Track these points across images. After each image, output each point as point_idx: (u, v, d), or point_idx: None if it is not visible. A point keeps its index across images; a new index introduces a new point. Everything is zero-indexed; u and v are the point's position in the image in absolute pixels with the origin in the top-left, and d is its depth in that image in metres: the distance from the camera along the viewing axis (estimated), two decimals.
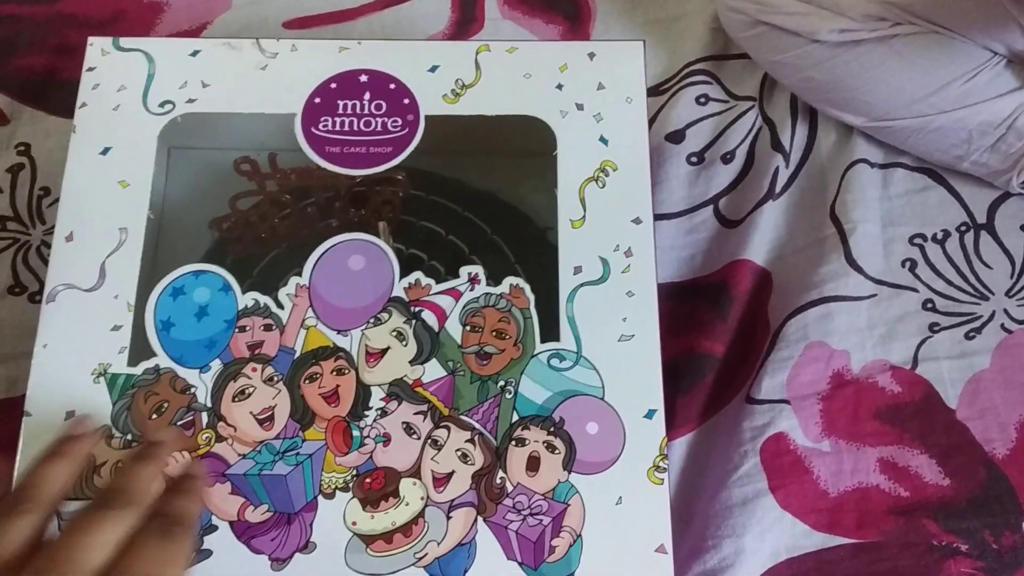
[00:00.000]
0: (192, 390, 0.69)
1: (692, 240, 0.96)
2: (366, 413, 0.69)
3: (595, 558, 0.66)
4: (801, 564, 0.82)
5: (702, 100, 1.01)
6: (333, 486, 0.67)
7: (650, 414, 0.69)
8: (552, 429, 0.68)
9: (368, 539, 0.66)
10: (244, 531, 0.66)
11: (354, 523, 0.66)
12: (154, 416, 0.68)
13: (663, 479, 0.67)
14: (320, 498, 0.67)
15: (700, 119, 1.01)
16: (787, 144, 0.98)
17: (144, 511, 0.57)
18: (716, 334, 0.90)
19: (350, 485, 0.67)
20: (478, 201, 0.79)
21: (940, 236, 0.94)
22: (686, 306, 0.89)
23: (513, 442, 0.68)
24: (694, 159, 0.99)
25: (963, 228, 0.95)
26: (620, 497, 0.67)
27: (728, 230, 0.96)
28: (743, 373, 0.90)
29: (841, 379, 0.88)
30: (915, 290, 0.92)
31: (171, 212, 0.77)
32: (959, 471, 0.85)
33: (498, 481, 0.67)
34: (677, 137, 0.99)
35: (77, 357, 0.70)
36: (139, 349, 0.71)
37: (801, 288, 0.91)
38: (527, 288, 0.73)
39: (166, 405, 0.69)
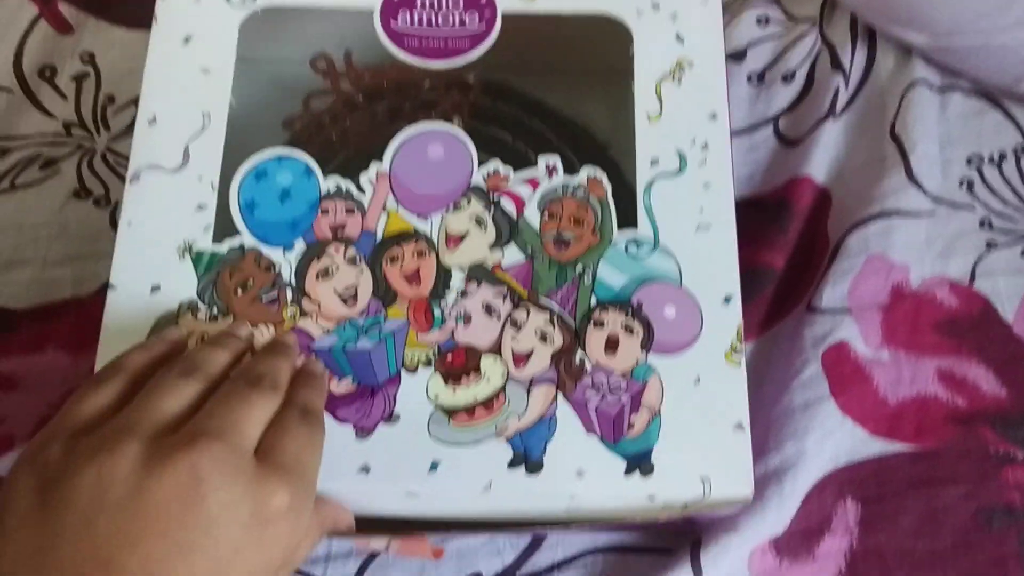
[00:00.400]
0: (276, 268, 0.69)
1: (752, 158, 0.96)
2: (447, 294, 0.69)
3: (674, 434, 0.66)
4: (860, 469, 0.82)
5: (763, 21, 1.01)
6: (416, 361, 0.67)
7: (727, 300, 0.69)
8: (630, 312, 0.68)
9: (450, 412, 0.66)
10: (329, 402, 0.66)
11: (436, 396, 0.67)
12: (239, 292, 0.68)
13: (740, 361, 0.67)
14: (403, 372, 0.67)
15: (760, 40, 1.01)
16: (847, 65, 0.98)
17: (281, 400, 0.59)
18: (776, 248, 0.90)
19: (432, 361, 0.67)
20: (552, 102, 0.78)
21: (997, 158, 0.95)
22: (745, 222, 0.89)
23: (592, 324, 0.68)
24: (754, 79, 0.98)
25: (1019, 151, 0.95)
26: (698, 377, 0.67)
27: (788, 149, 0.97)
28: (803, 286, 0.91)
29: (900, 292, 0.89)
30: (972, 209, 0.93)
31: (249, 105, 0.76)
32: (1016, 382, 0.85)
33: (577, 360, 0.67)
34: (738, 57, 0.99)
35: (162, 234, 0.71)
36: (223, 228, 0.71)
37: (861, 204, 0.92)
38: (604, 178, 0.72)
39: (251, 282, 0.69)
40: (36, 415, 0.86)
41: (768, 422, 0.84)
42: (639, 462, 0.65)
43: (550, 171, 0.73)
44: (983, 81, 0.96)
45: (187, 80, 0.76)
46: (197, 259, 0.70)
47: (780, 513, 0.80)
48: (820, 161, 0.95)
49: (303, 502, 0.56)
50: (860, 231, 0.91)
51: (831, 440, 0.83)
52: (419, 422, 0.66)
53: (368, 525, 0.69)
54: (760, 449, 0.81)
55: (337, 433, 0.65)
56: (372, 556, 0.82)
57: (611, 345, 0.68)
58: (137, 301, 0.69)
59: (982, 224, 0.92)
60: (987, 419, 0.84)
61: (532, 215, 0.72)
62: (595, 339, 0.68)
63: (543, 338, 0.68)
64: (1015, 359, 0.86)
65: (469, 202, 0.72)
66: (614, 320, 0.69)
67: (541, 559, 0.82)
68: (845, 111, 0.98)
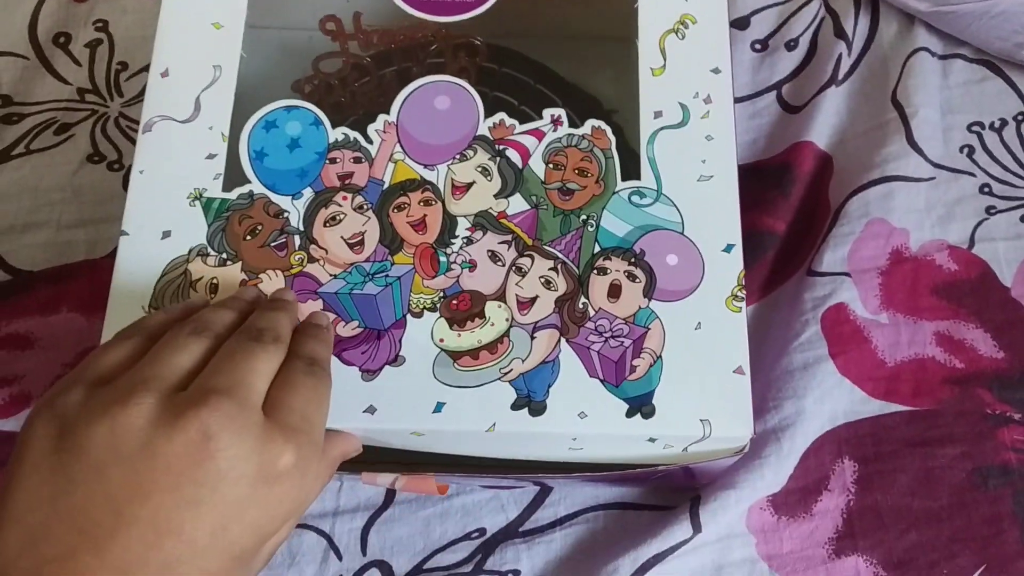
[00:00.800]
0: (285, 214, 0.69)
1: (755, 125, 0.96)
2: (452, 241, 0.69)
3: (675, 377, 0.66)
4: (858, 428, 0.83)
5: None
6: (421, 306, 0.67)
7: (728, 248, 0.69)
8: (633, 259, 0.68)
9: (455, 355, 0.66)
10: (336, 344, 0.66)
11: (441, 340, 0.66)
12: (248, 238, 0.68)
13: (741, 307, 0.67)
14: (408, 317, 0.67)
15: (765, 7, 1.02)
16: (850, 32, 0.98)
17: (285, 352, 0.59)
18: (778, 212, 0.90)
19: (437, 306, 0.67)
20: (558, 67, 0.78)
21: (997, 124, 0.95)
22: (748, 187, 0.89)
23: (595, 271, 0.68)
24: (758, 46, 0.99)
25: (1020, 117, 0.95)
26: (699, 323, 0.67)
27: (790, 115, 0.97)
28: (804, 250, 0.91)
29: (900, 256, 0.89)
30: (972, 175, 0.93)
31: (259, 70, 0.76)
32: (1013, 345, 0.85)
33: (580, 306, 0.67)
34: (742, 24, 1.00)
35: (173, 182, 0.71)
36: (233, 176, 0.71)
37: (863, 169, 0.92)
38: (608, 130, 0.72)
39: (260, 227, 0.69)
40: (51, 374, 0.87)
41: (768, 382, 0.84)
42: (641, 404, 0.65)
43: (555, 123, 0.73)
44: (985, 48, 0.96)
45: (199, 34, 0.76)
46: (207, 206, 0.70)
47: (778, 471, 0.81)
48: (822, 127, 0.95)
49: (309, 459, 0.56)
50: (861, 196, 0.91)
51: (829, 400, 0.83)
52: (424, 364, 0.66)
53: (376, 461, 0.69)
54: (759, 408, 0.82)
55: (343, 375, 0.65)
56: (378, 511, 0.83)
57: (614, 292, 0.68)
58: (148, 247, 0.69)
59: (982, 190, 0.93)
60: (984, 381, 0.84)
61: (537, 165, 0.72)
62: (598, 286, 0.68)
63: (547, 284, 0.68)
64: (1013, 322, 0.87)
65: (475, 152, 0.72)
66: (617, 267, 0.68)
67: (544, 515, 0.83)
68: (847, 78, 0.98)
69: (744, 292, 0.68)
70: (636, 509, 0.83)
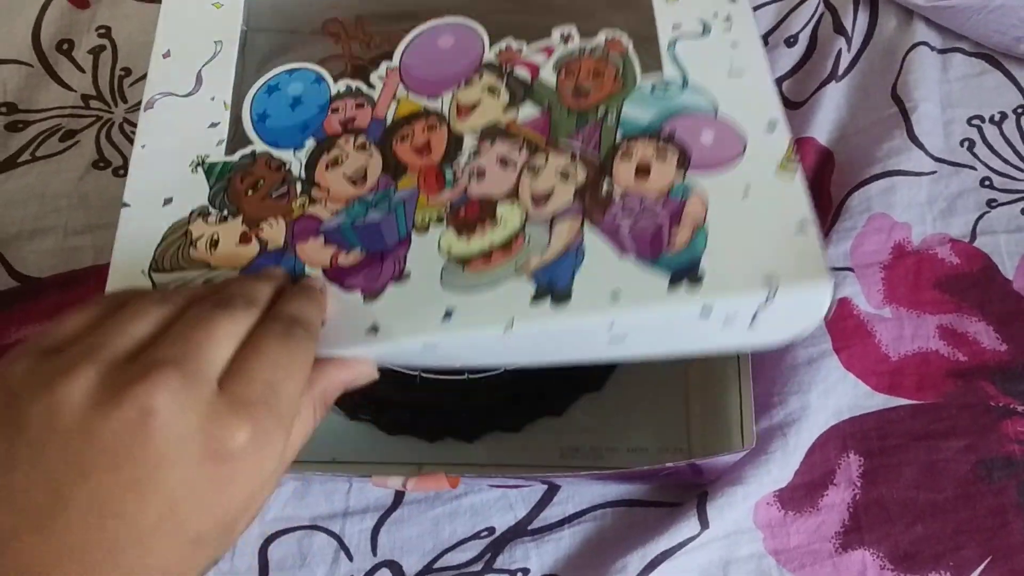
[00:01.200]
0: (287, 166, 0.65)
1: None
2: (458, 155, 0.63)
3: (725, 240, 0.56)
4: (863, 422, 0.81)
5: None
6: (427, 221, 0.61)
7: (771, 125, 0.61)
8: (660, 139, 0.61)
9: (465, 261, 0.59)
10: (336, 273, 0.59)
11: (449, 249, 0.59)
12: (250, 193, 0.64)
13: (796, 169, 0.58)
14: (413, 233, 0.60)
15: (763, 3, 1.01)
16: (849, 28, 0.98)
17: (261, 314, 0.54)
18: None
19: (444, 218, 0.61)
20: None
21: (997, 118, 0.94)
22: None
23: (619, 155, 0.61)
24: None
25: (1019, 111, 0.94)
26: (747, 187, 0.58)
27: (791, 111, 0.95)
28: None
29: (902, 250, 0.87)
30: (973, 168, 0.92)
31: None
32: (1016, 337, 0.83)
33: (604, 191, 0.59)
34: None
35: (175, 153, 0.67)
36: (236, 141, 0.67)
37: (864, 164, 0.90)
38: (624, 35, 0.66)
39: (262, 182, 0.64)
40: None
41: (772, 377, 0.82)
42: (685, 272, 0.56)
43: (565, 40, 0.67)
44: (983, 42, 0.96)
45: (200, 14, 0.74)
46: (209, 170, 0.65)
47: (784, 466, 0.78)
48: (823, 123, 0.94)
49: (270, 433, 0.50)
50: (862, 191, 0.89)
51: (834, 395, 0.81)
52: (432, 276, 0.58)
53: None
54: (765, 404, 0.80)
55: (343, 301, 0.58)
56: (387, 512, 0.81)
57: (642, 171, 0.60)
58: (150, 215, 0.64)
59: (983, 183, 0.91)
60: (987, 373, 0.82)
61: (548, 76, 0.66)
62: (624, 168, 0.60)
63: (564, 177, 0.60)
64: (1015, 315, 0.85)
65: (481, 77, 0.66)
66: (643, 148, 0.61)
67: (552, 513, 0.80)
68: (847, 73, 0.97)
69: (798, 156, 0.60)
70: (644, 506, 0.80)
